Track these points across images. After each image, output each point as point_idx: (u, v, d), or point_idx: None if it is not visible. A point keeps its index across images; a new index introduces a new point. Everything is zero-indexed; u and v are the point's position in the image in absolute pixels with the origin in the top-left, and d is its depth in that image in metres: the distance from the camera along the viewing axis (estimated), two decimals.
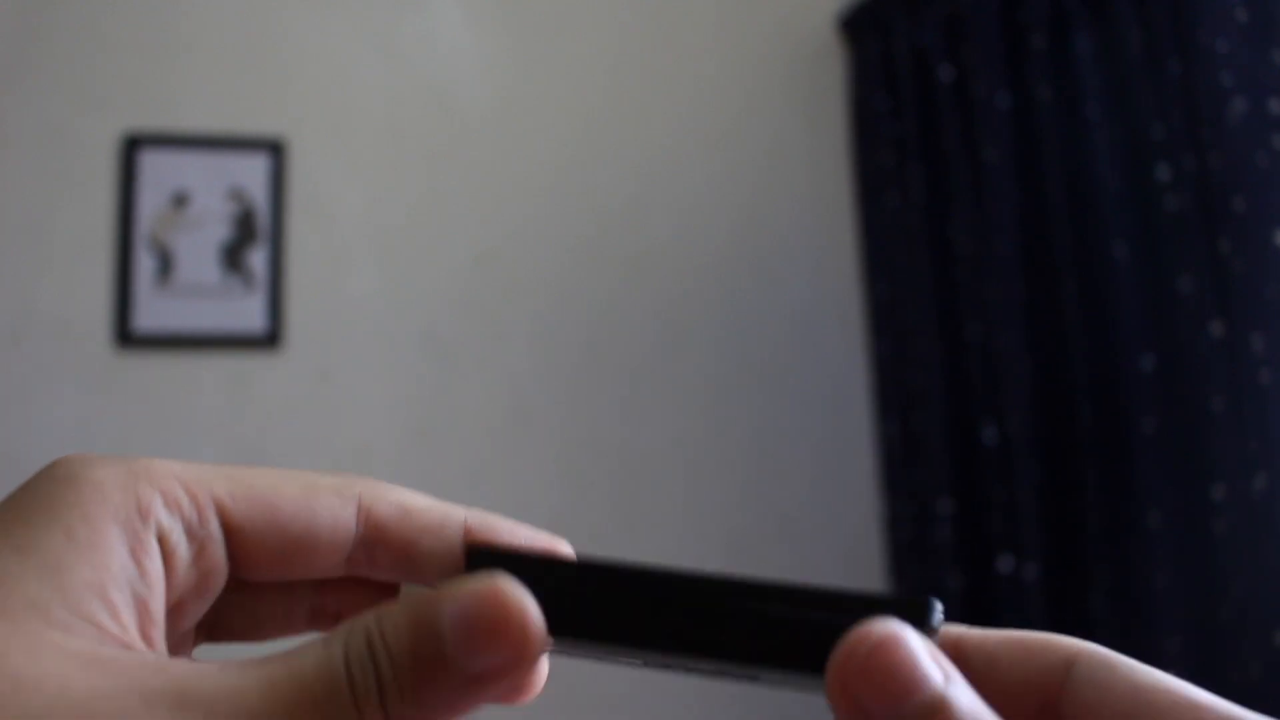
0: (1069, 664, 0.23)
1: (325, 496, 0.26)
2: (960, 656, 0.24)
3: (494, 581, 0.22)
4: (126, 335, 1.50)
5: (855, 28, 1.77)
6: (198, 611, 0.26)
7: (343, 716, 0.21)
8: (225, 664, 0.21)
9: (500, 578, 0.22)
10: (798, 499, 1.69)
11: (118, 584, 0.22)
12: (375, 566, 0.27)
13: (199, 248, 1.55)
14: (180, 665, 0.21)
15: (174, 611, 0.24)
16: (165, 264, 1.53)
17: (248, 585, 0.27)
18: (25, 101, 1.53)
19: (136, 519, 0.23)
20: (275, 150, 1.58)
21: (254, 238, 1.57)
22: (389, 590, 0.28)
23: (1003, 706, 0.22)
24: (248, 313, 1.55)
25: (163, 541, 0.23)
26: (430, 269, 1.63)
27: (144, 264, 1.53)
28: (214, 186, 1.56)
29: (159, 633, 0.23)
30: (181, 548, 0.24)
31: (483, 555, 0.25)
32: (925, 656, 0.20)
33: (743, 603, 0.23)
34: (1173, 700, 0.21)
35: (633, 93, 1.76)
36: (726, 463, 1.68)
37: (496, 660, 0.21)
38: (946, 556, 1.50)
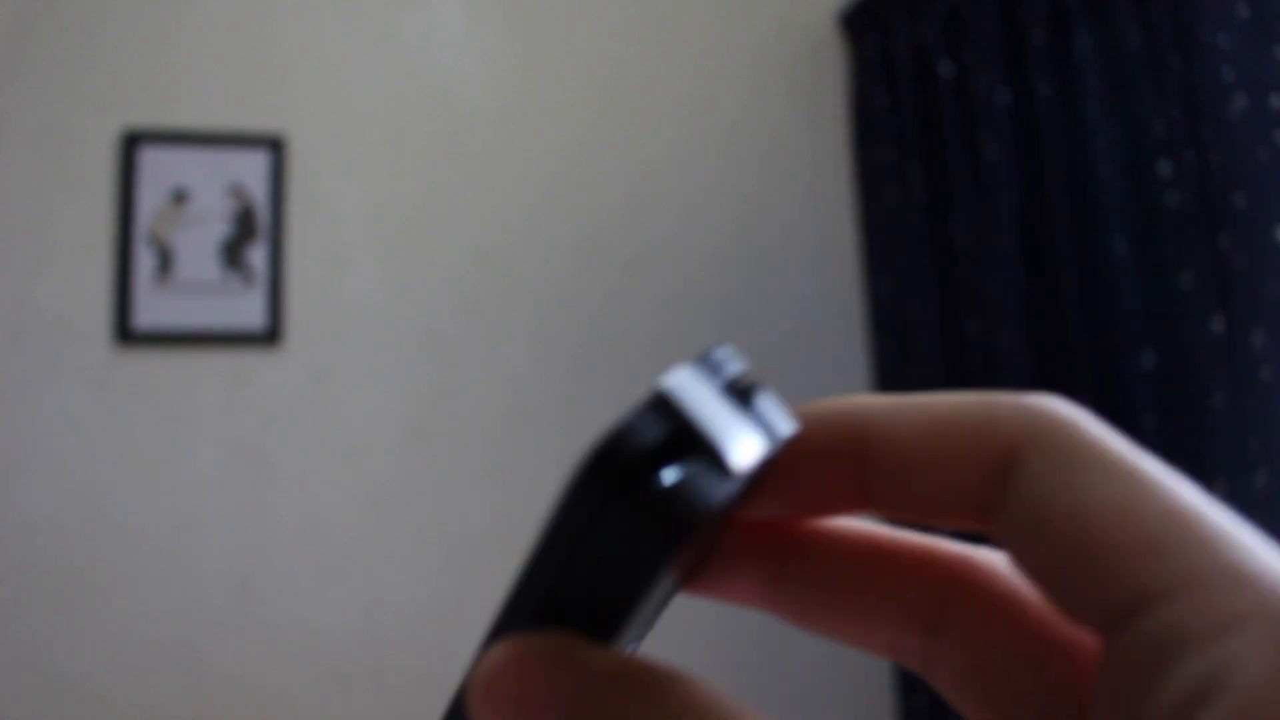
0: (1008, 460, 0.16)
1: None
2: (869, 458, 0.18)
3: None
4: (126, 332, 1.50)
5: (855, 24, 1.77)
6: None
7: None
8: None
9: None
10: None
11: None
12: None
13: (199, 245, 1.54)
14: None
15: None
16: (165, 261, 1.53)
17: None
18: (24, 99, 1.53)
19: None
20: (275, 147, 1.58)
21: (254, 235, 1.56)
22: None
23: (931, 515, 0.17)
24: (247, 310, 1.54)
25: None
26: (430, 267, 1.63)
27: (144, 261, 1.52)
28: (214, 183, 1.56)
29: None
30: None
31: None
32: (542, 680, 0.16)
33: None
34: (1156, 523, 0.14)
35: (633, 91, 1.76)
36: None
37: None
38: None
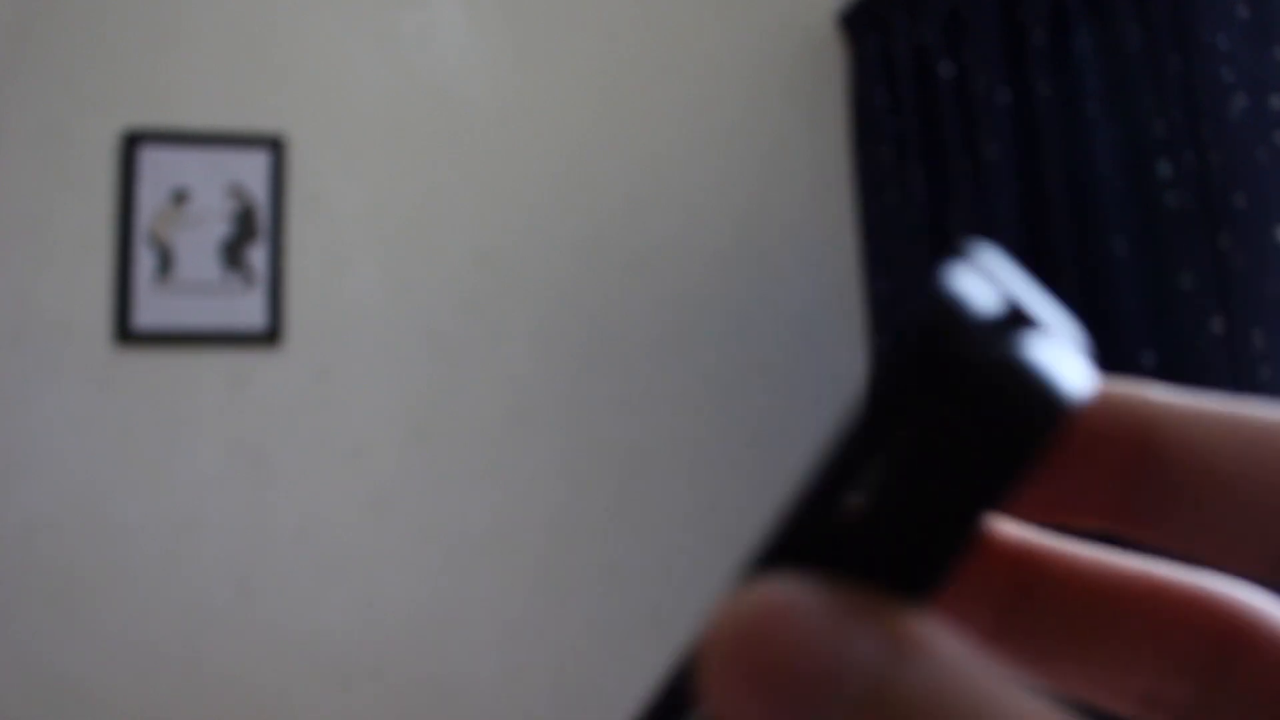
0: None
1: None
2: (1155, 461, 0.14)
3: None
4: (126, 332, 1.50)
5: (855, 25, 1.77)
6: None
7: None
8: None
9: None
10: None
11: None
12: None
13: (199, 245, 1.54)
14: None
15: None
16: (165, 261, 1.53)
17: None
18: (25, 99, 1.53)
19: None
20: (275, 147, 1.58)
21: (254, 235, 1.56)
22: None
23: (1214, 550, 0.14)
24: (247, 310, 1.54)
25: None
26: (430, 267, 1.63)
27: (144, 261, 1.52)
28: (214, 183, 1.56)
29: None
30: None
31: None
32: (822, 629, 0.11)
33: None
34: None
35: (633, 91, 1.76)
36: (728, 461, 1.68)
37: None
38: None
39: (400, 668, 1.50)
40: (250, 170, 1.57)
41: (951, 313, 0.11)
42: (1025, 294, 0.12)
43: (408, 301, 1.62)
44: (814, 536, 0.11)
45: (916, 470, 0.11)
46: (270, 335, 1.55)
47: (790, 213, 1.78)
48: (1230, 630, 0.15)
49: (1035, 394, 0.11)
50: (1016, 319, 0.12)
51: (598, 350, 1.67)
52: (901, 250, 1.64)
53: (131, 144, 1.54)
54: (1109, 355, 1.32)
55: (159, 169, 1.54)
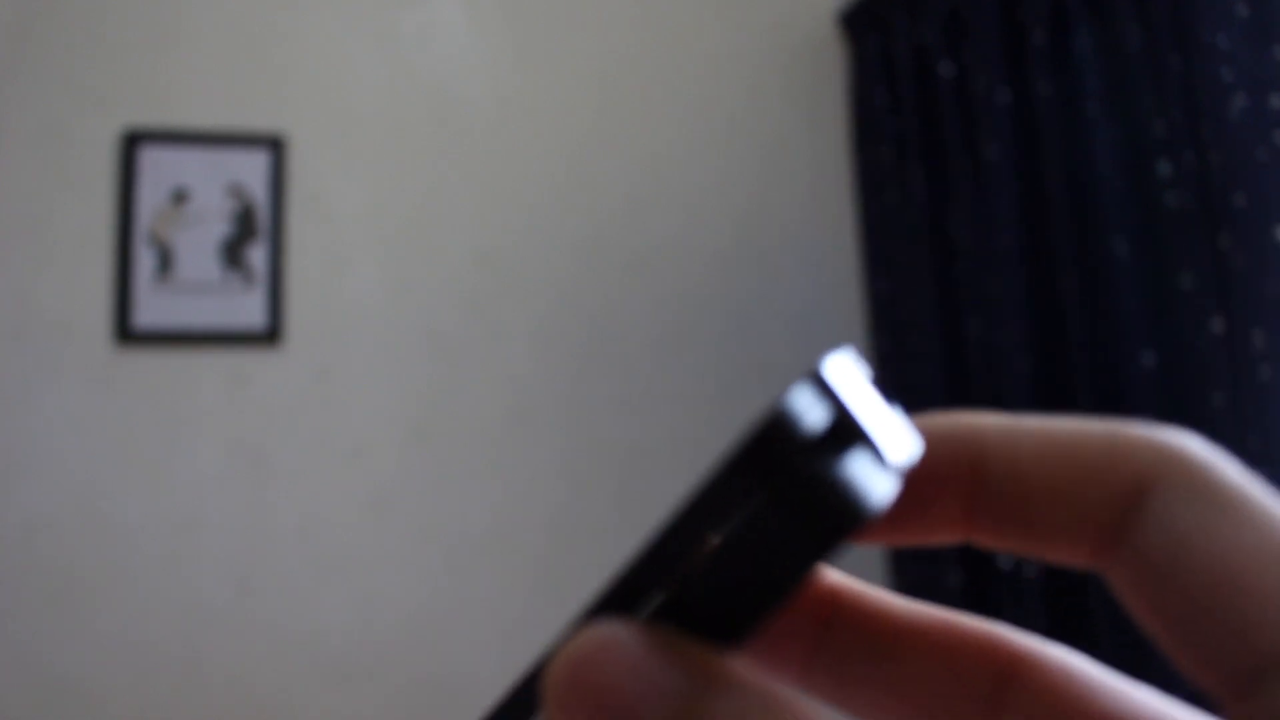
0: (1137, 493, 0.15)
1: None
2: (983, 479, 0.17)
3: None
4: (126, 332, 1.50)
5: (855, 24, 1.77)
6: None
7: None
8: None
9: None
10: None
11: None
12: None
13: (199, 244, 1.54)
14: None
15: None
16: (165, 260, 1.53)
17: None
18: (25, 99, 1.53)
19: None
20: (275, 146, 1.58)
21: (254, 234, 1.56)
22: None
23: (1044, 546, 0.16)
24: (247, 309, 1.54)
25: None
26: (430, 267, 1.63)
27: (144, 261, 1.52)
28: (214, 183, 1.56)
29: None
30: None
31: None
32: (648, 665, 0.13)
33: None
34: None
35: (633, 90, 1.76)
36: None
37: None
38: (947, 553, 1.50)
39: (400, 667, 1.50)
40: (250, 170, 1.57)
41: (779, 429, 0.14)
42: (856, 408, 0.15)
43: (408, 301, 1.62)
44: (644, 590, 0.14)
45: (734, 554, 0.14)
46: (270, 335, 1.55)
47: (790, 213, 1.78)
48: (1007, 664, 0.17)
49: (830, 507, 0.14)
50: (841, 434, 0.14)
51: (598, 350, 1.67)
52: (901, 250, 1.64)
53: (131, 144, 1.54)
54: (1109, 355, 1.32)
55: (159, 169, 1.54)
